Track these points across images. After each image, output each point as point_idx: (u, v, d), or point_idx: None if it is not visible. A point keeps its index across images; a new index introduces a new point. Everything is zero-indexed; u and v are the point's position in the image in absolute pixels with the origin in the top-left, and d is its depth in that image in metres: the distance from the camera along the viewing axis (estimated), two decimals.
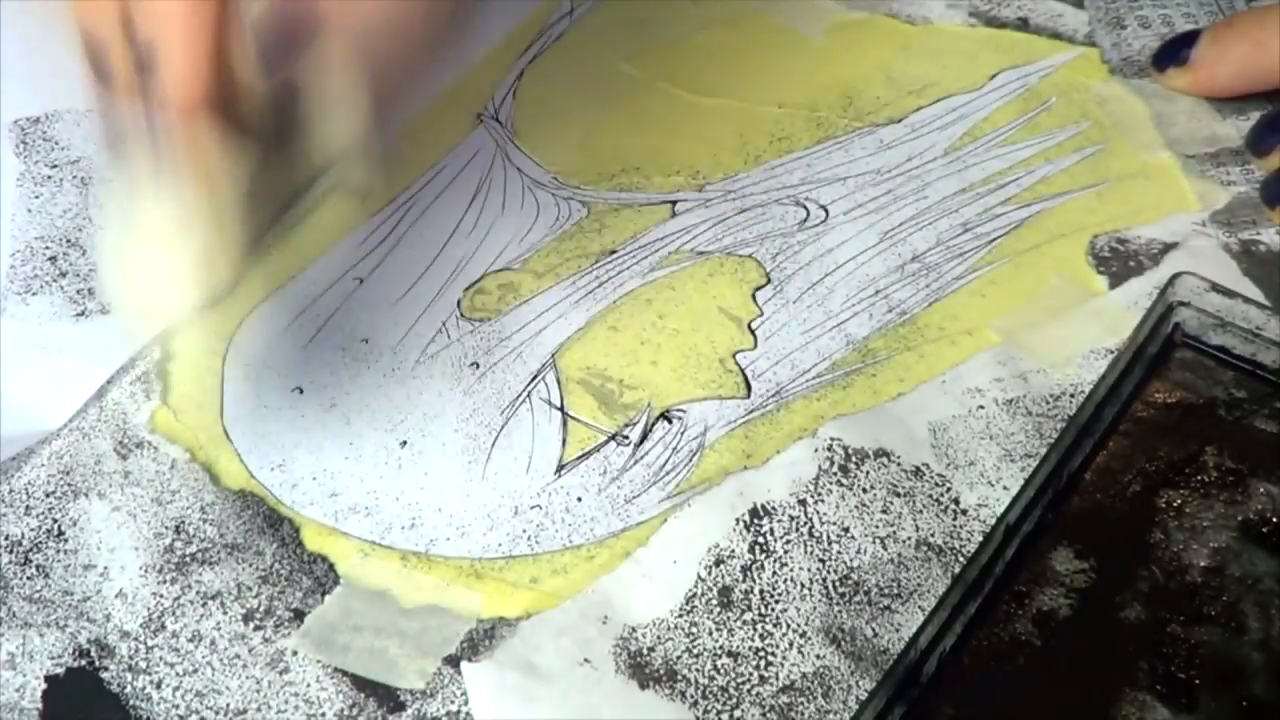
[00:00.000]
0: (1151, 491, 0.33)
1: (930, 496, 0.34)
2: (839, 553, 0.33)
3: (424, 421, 0.36)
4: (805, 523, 0.34)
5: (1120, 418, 0.34)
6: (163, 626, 0.32)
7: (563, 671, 0.31)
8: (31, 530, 0.34)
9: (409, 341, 0.38)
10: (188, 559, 0.33)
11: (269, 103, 0.30)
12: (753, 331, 0.38)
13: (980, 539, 0.32)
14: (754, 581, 0.32)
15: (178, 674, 0.31)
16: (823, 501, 0.34)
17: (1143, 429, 0.34)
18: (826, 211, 0.41)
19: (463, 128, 0.44)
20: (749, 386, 0.37)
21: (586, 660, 0.31)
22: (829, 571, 0.33)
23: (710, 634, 0.32)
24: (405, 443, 0.36)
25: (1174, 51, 0.44)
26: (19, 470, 0.35)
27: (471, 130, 0.44)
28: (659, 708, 0.30)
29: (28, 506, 0.34)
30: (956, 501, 0.34)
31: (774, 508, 0.34)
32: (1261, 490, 0.33)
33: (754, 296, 0.39)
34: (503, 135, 0.44)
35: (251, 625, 0.32)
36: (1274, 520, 0.32)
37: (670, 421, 0.36)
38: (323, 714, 0.31)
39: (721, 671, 0.31)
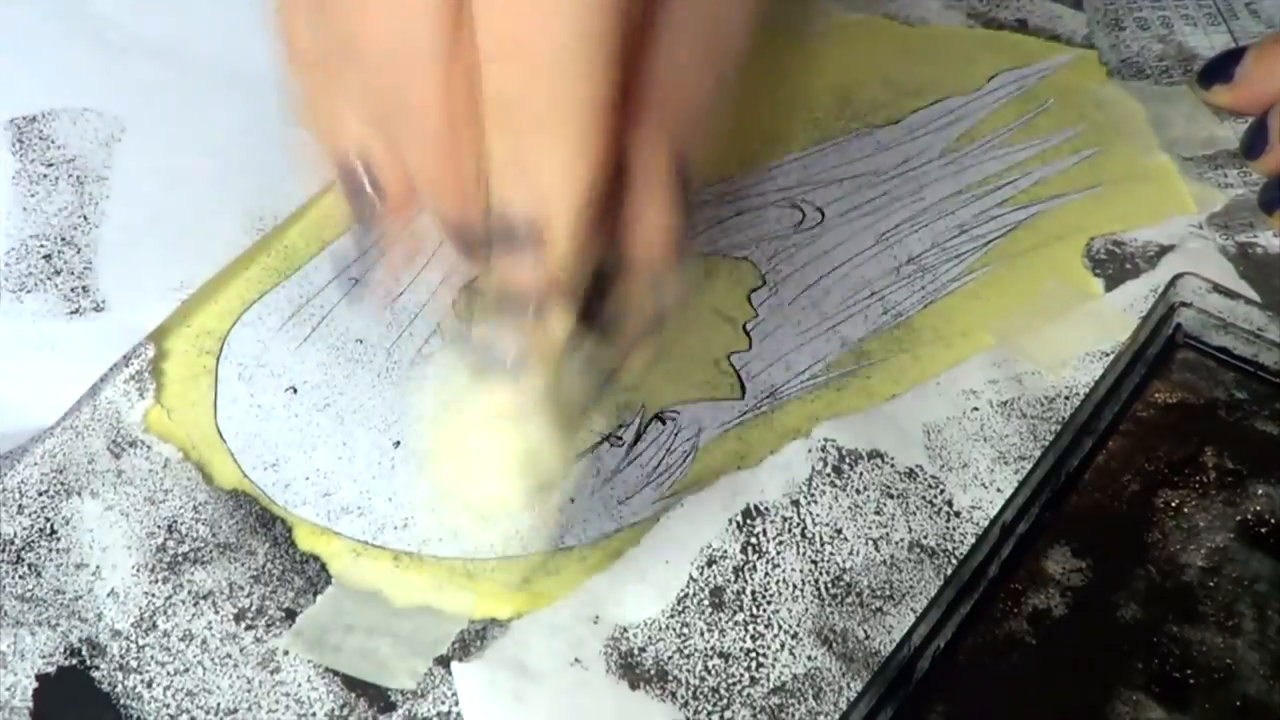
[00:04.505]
0: (1150, 491, 0.33)
1: (924, 498, 0.34)
2: (831, 554, 0.33)
3: (418, 422, 0.36)
4: (798, 524, 0.33)
5: (1120, 417, 0.34)
6: (154, 626, 0.32)
7: (553, 672, 0.31)
8: (24, 529, 0.34)
9: (404, 342, 0.38)
10: (180, 558, 0.33)
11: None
12: (747, 333, 0.38)
13: (973, 541, 0.32)
14: (746, 582, 0.32)
15: (169, 673, 0.31)
16: (816, 503, 0.34)
17: (1143, 429, 0.34)
18: (822, 213, 0.41)
19: None
20: (743, 388, 0.37)
21: (577, 660, 0.31)
22: (821, 573, 0.32)
23: (701, 634, 0.31)
24: (399, 443, 0.36)
25: (1220, 69, 0.43)
26: (12, 469, 0.35)
27: None
28: (649, 708, 0.30)
29: (20, 505, 0.34)
30: (950, 503, 0.34)
31: (767, 508, 0.34)
32: (1260, 491, 0.32)
33: (749, 298, 0.39)
34: None
35: (243, 625, 0.32)
36: (1272, 521, 0.32)
37: (664, 422, 0.36)
38: (313, 714, 0.30)
39: (712, 672, 0.31)
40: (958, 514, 0.33)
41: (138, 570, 0.33)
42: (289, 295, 0.39)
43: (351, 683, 0.31)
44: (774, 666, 0.31)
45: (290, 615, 0.32)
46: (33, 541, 0.33)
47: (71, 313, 0.38)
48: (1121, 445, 0.34)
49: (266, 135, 0.43)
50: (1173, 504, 0.32)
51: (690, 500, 0.34)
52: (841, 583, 0.32)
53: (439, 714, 0.30)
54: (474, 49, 0.23)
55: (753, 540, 0.33)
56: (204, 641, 0.32)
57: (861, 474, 0.34)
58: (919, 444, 0.35)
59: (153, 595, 0.32)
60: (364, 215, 0.28)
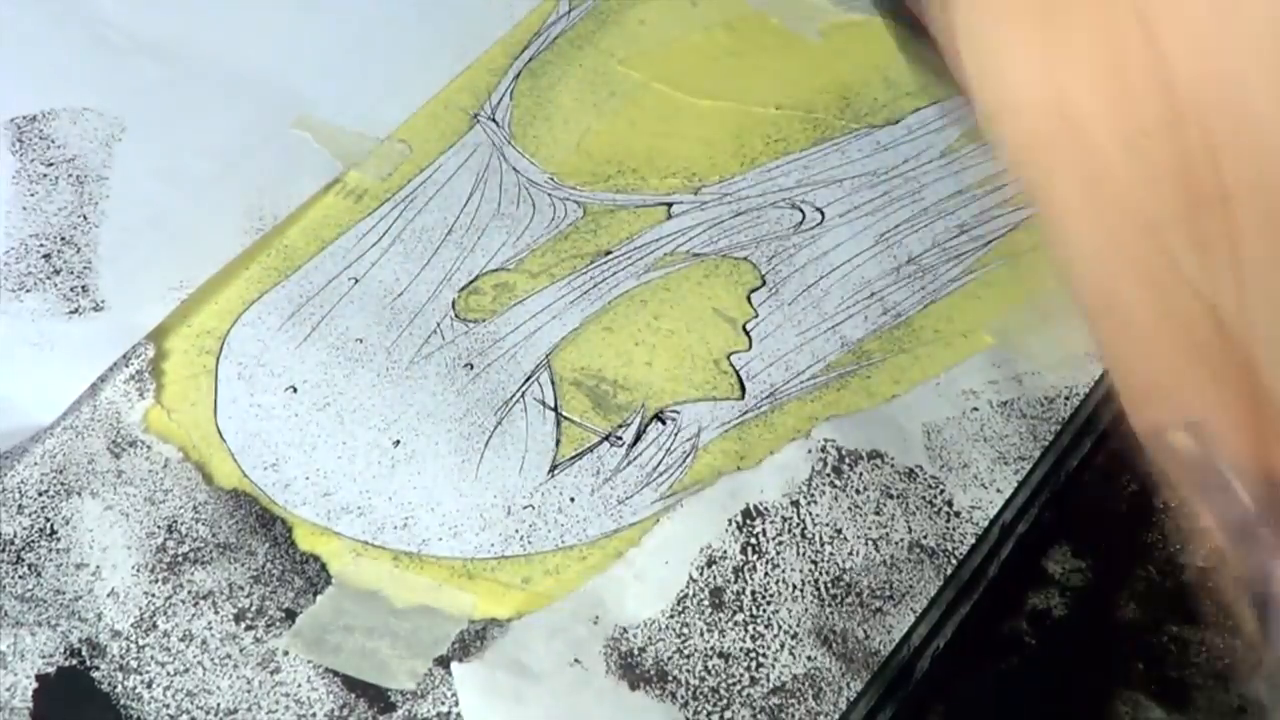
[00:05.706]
0: (1150, 491, 0.33)
1: (923, 498, 0.34)
2: (831, 554, 0.33)
3: (417, 421, 0.36)
4: (798, 524, 0.33)
5: (1120, 417, 0.34)
6: (154, 626, 0.32)
7: (553, 672, 0.31)
8: (24, 529, 0.34)
9: (403, 342, 0.38)
10: (180, 558, 0.33)
11: None
12: (747, 333, 0.38)
13: (973, 541, 0.32)
14: (745, 582, 0.32)
15: (169, 673, 0.31)
16: (815, 503, 0.34)
17: None
18: (822, 214, 0.41)
19: (459, 128, 0.44)
20: (743, 388, 0.37)
21: (577, 661, 0.31)
22: (821, 573, 0.32)
23: (701, 635, 0.31)
24: (398, 442, 0.35)
25: None
26: (12, 469, 0.35)
27: (468, 130, 0.44)
28: (649, 708, 0.30)
29: (20, 505, 0.34)
30: (950, 504, 0.34)
31: (766, 509, 0.34)
32: None
33: (749, 298, 0.39)
34: (499, 136, 0.44)
35: (243, 625, 0.32)
36: None
37: (664, 422, 0.36)
38: (313, 714, 0.30)
39: (712, 672, 0.31)
40: (958, 514, 0.33)
41: (138, 570, 0.33)
42: (289, 295, 0.39)
43: (351, 683, 0.31)
44: (774, 666, 0.31)
45: (290, 615, 0.32)
46: (33, 541, 0.33)
47: (71, 312, 0.38)
48: (1121, 446, 0.34)
49: (266, 135, 0.43)
50: (1173, 504, 0.32)
51: (690, 500, 0.34)
52: (841, 583, 0.32)
53: (439, 714, 0.30)
54: None
55: (752, 540, 0.33)
56: (204, 642, 0.32)
57: (861, 474, 0.34)
58: (919, 444, 0.35)
59: (153, 595, 0.32)
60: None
